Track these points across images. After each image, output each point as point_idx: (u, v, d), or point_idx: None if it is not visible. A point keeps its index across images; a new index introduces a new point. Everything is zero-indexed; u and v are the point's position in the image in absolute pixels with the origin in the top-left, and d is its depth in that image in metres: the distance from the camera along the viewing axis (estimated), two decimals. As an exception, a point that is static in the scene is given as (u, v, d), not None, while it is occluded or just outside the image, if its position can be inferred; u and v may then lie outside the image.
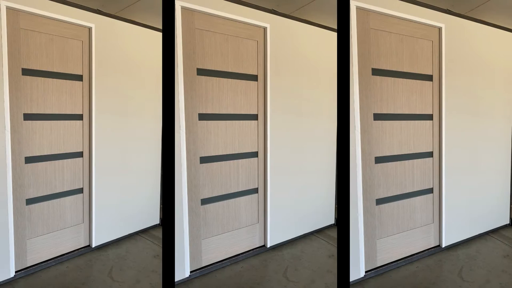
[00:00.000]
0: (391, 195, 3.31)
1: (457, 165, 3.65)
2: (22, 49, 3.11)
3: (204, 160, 3.24)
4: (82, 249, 3.59)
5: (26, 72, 3.15)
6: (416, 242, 3.46)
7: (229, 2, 3.31)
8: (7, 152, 3.03)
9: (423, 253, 3.48)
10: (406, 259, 3.39)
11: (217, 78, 3.28)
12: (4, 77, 2.99)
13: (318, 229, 4.02)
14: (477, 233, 3.84)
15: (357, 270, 3.12)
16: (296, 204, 3.88)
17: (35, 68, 3.21)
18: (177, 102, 3.04)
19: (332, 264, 3.40)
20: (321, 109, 3.96)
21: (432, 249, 3.55)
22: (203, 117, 3.21)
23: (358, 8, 3.05)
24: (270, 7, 3.57)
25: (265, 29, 3.52)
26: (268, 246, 3.64)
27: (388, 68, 3.24)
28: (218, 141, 3.31)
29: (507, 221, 4.05)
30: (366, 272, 3.18)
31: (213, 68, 3.25)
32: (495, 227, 3.96)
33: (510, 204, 4.08)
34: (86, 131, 3.58)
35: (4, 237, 3.07)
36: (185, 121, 3.10)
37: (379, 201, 3.24)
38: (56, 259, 3.39)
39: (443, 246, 3.59)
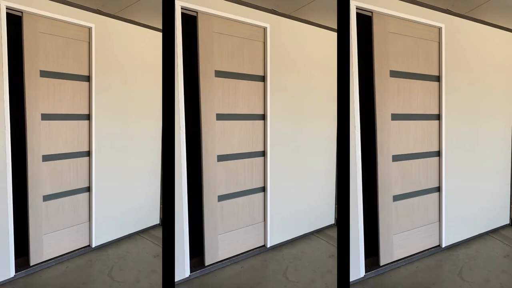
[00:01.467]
0: (407, 191, 3.40)
1: (457, 165, 3.65)
2: (40, 51, 3.22)
3: (221, 158, 3.33)
4: (82, 249, 3.59)
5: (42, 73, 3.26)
6: (430, 237, 3.53)
7: (229, 2, 3.31)
8: (7, 152, 3.03)
9: (423, 253, 3.49)
10: (406, 259, 3.39)
11: (226, 79, 3.33)
12: (4, 77, 2.99)
13: (318, 229, 4.02)
14: (477, 233, 3.84)
15: (357, 270, 3.13)
16: (296, 204, 3.88)
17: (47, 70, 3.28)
18: (177, 102, 3.04)
19: (332, 264, 3.40)
20: (321, 109, 3.95)
21: (432, 249, 3.55)
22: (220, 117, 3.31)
23: (376, 13, 3.14)
24: (270, 7, 3.57)
25: (265, 29, 3.52)
26: (268, 246, 3.64)
27: (401, 70, 3.31)
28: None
29: (507, 221, 4.05)
30: (366, 272, 3.19)
31: (226, 70, 3.33)
32: (495, 227, 3.96)
33: (510, 204, 4.08)
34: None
35: (4, 237, 3.07)
36: (203, 121, 3.19)
37: (396, 198, 3.32)
38: (56, 259, 3.39)
39: (443, 246, 3.59)
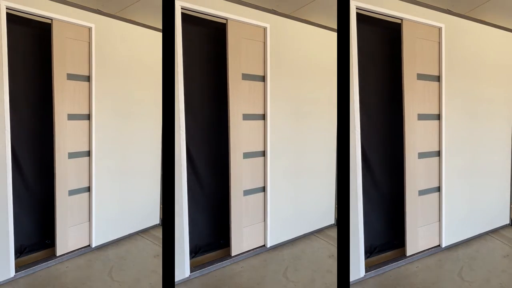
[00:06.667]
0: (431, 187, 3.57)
1: (457, 165, 3.65)
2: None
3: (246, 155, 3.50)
4: (82, 249, 3.59)
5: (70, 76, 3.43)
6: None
7: (229, 2, 3.31)
8: (7, 152, 3.04)
9: (423, 253, 3.49)
10: (406, 259, 3.39)
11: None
12: (4, 77, 2.99)
13: (318, 229, 4.02)
14: (477, 233, 3.83)
15: (357, 270, 3.13)
16: (296, 204, 3.88)
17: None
18: (177, 102, 3.04)
19: (332, 264, 3.40)
20: (321, 109, 3.95)
21: (432, 249, 3.55)
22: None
23: (405, 21, 3.30)
24: (270, 7, 3.57)
25: (265, 29, 3.52)
26: (268, 246, 3.64)
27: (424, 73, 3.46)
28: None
29: (507, 221, 4.05)
30: (366, 272, 3.19)
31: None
32: (495, 227, 3.96)
33: (510, 204, 4.08)
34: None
35: (4, 237, 3.07)
36: (231, 121, 3.36)
37: (421, 192, 3.47)
38: (56, 259, 3.39)
39: (443, 246, 3.59)
